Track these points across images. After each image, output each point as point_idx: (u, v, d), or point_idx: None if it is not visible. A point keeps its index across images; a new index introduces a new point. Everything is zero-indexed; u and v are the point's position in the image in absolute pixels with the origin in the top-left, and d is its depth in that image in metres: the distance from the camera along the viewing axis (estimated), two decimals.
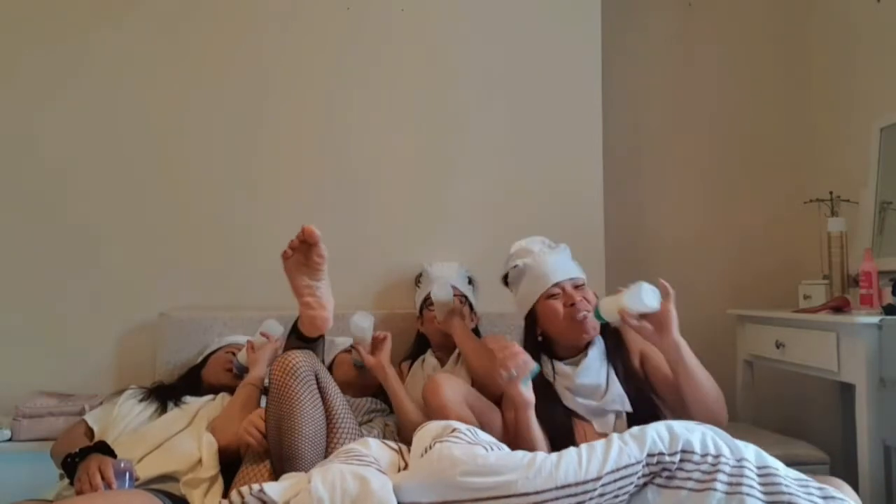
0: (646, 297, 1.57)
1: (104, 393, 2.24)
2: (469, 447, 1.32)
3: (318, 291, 1.66)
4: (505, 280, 1.91)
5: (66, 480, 1.66)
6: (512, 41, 2.67)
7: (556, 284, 1.77)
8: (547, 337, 1.81)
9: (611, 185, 2.69)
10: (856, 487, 1.95)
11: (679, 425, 1.33)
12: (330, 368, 2.15)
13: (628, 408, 1.69)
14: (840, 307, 2.14)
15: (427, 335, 2.27)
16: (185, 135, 2.55)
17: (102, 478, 1.52)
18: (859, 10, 2.63)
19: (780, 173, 2.96)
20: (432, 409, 1.64)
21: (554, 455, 1.30)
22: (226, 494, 1.60)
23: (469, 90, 2.65)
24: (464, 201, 2.62)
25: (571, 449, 1.31)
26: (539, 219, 2.60)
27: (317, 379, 1.63)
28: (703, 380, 1.59)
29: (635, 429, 1.35)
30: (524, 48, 2.68)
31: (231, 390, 2.05)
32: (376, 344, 2.00)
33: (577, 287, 1.78)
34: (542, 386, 1.70)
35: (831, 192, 2.50)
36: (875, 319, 1.92)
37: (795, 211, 2.81)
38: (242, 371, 2.09)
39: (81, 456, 1.63)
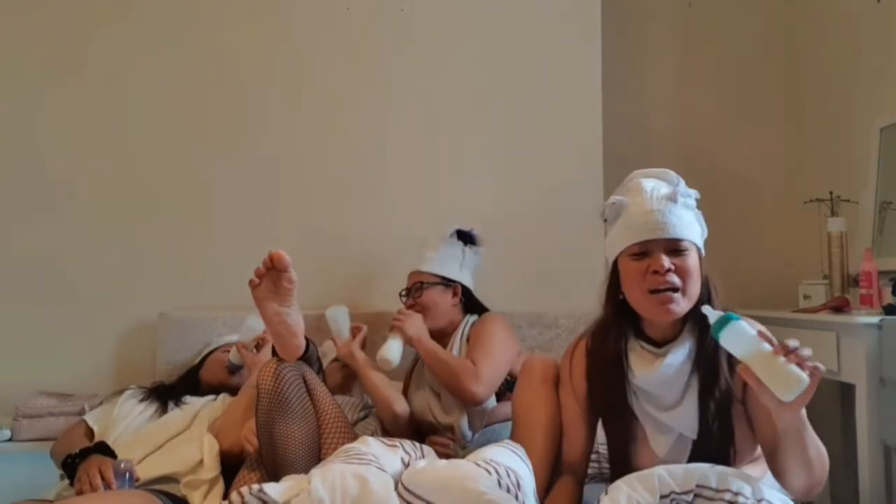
0: (789, 392, 1.13)
1: (104, 393, 2.24)
2: (500, 490, 1.29)
3: (289, 318, 1.56)
4: (603, 215, 1.50)
5: (67, 481, 1.66)
6: (512, 41, 2.67)
7: (646, 242, 1.35)
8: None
9: (611, 186, 2.68)
10: (856, 487, 1.96)
11: (695, 464, 1.25)
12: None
13: (692, 434, 1.35)
14: (840, 307, 2.14)
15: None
16: (185, 135, 2.55)
17: (102, 478, 1.52)
18: (859, 10, 2.62)
19: (780, 173, 2.96)
20: (520, 388, 1.61)
21: None
22: (226, 496, 1.60)
23: (469, 89, 2.65)
24: (463, 201, 2.61)
25: None
26: (539, 218, 2.60)
27: (304, 381, 1.62)
28: (813, 467, 1.25)
29: (641, 472, 1.26)
30: (524, 48, 2.67)
31: (230, 389, 2.06)
32: (353, 335, 2.03)
33: (675, 252, 1.34)
34: (610, 374, 1.43)
35: (831, 192, 2.50)
36: (875, 319, 1.92)
37: (795, 211, 2.81)
38: (236, 369, 2.09)
39: (81, 456, 1.63)
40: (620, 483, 1.27)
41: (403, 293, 2.13)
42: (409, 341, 1.95)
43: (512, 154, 2.65)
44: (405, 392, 2.11)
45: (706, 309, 1.25)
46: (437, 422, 1.94)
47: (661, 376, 1.35)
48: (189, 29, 2.57)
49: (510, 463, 1.36)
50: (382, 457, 1.37)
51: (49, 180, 2.49)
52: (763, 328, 1.21)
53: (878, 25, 2.53)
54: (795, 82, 2.97)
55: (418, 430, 1.98)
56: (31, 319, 2.44)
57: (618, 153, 2.77)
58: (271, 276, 1.52)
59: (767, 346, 1.16)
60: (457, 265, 2.10)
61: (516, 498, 1.29)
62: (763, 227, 2.94)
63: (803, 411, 1.20)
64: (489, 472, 1.29)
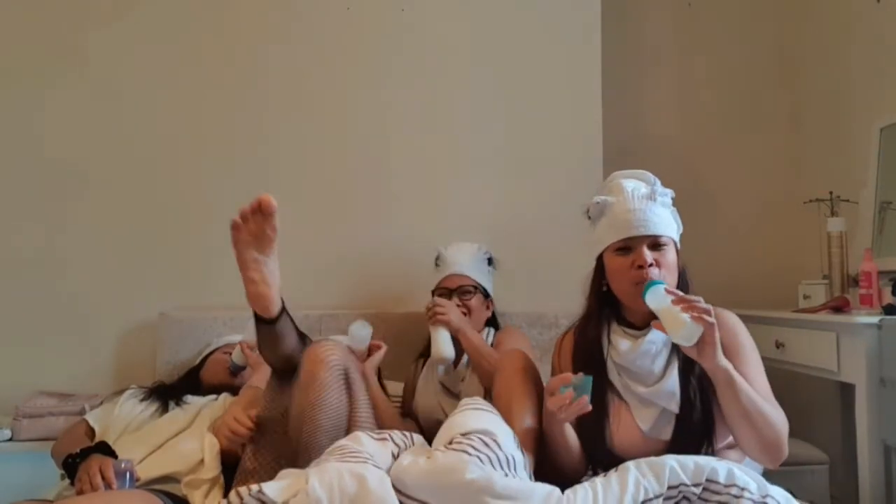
0: (684, 336, 1.34)
1: (104, 393, 2.24)
2: (484, 467, 1.28)
3: (265, 267, 1.51)
4: (587, 213, 1.63)
5: (67, 480, 1.66)
6: (512, 41, 2.67)
7: (630, 239, 1.49)
8: (612, 293, 1.56)
9: None
10: (856, 487, 1.96)
11: (703, 458, 1.29)
12: None
13: (674, 408, 1.46)
14: (840, 307, 2.14)
15: None
16: (185, 134, 2.55)
17: (103, 478, 1.52)
18: (859, 10, 2.63)
19: (780, 173, 2.97)
20: (501, 375, 1.62)
21: (570, 491, 1.26)
22: (227, 496, 1.60)
23: (469, 90, 2.65)
24: (463, 202, 2.61)
25: (586, 484, 1.28)
26: (539, 218, 2.60)
27: (346, 373, 1.60)
28: (755, 421, 1.36)
29: (652, 459, 1.29)
30: (524, 48, 2.67)
31: (231, 390, 2.06)
32: (370, 351, 1.99)
33: (655, 246, 1.49)
34: (591, 352, 1.55)
35: (831, 192, 2.50)
36: (875, 319, 1.92)
37: (795, 211, 2.81)
38: (237, 370, 2.09)
39: (82, 456, 1.63)
40: (630, 465, 1.29)
41: (442, 293, 2.11)
42: (455, 332, 1.96)
43: (512, 154, 2.65)
44: (410, 393, 2.10)
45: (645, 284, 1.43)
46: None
47: (643, 352, 1.48)
48: (188, 29, 2.57)
49: (478, 424, 1.36)
50: (376, 454, 1.37)
51: (49, 180, 2.49)
52: (678, 291, 1.39)
53: (877, 25, 2.53)
54: (795, 82, 2.97)
55: (421, 431, 1.96)
56: (31, 320, 2.44)
57: (618, 153, 2.77)
58: (256, 220, 1.47)
59: (669, 300, 1.36)
60: (490, 282, 2.19)
61: (499, 460, 1.29)
62: (763, 227, 2.94)
63: (725, 366, 1.35)
64: (468, 454, 1.28)
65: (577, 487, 1.27)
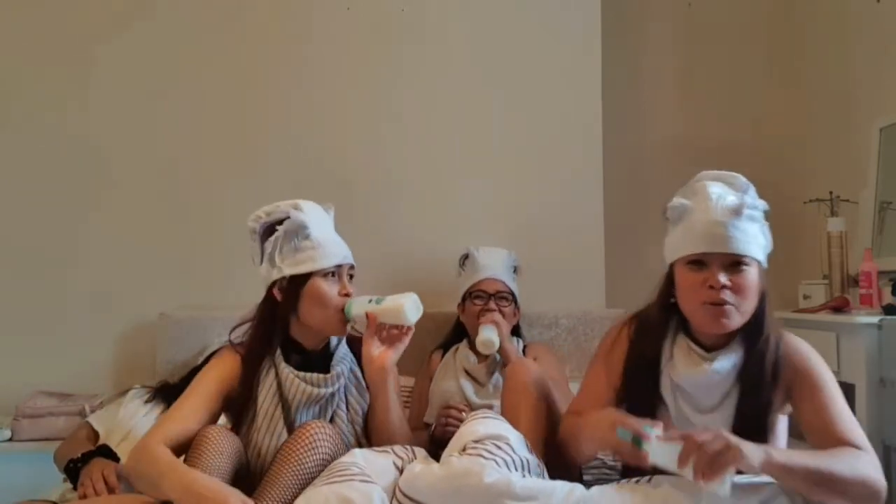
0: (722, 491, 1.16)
1: (104, 393, 2.24)
2: (501, 470, 1.26)
3: None
4: (665, 214, 1.47)
5: (70, 483, 1.66)
6: (512, 41, 2.67)
7: (707, 254, 1.33)
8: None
9: (611, 185, 2.69)
10: None
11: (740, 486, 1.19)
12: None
13: None
14: (840, 307, 2.14)
15: (466, 326, 2.14)
16: (186, 134, 2.55)
17: (106, 482, 1.51)
18: (859, 9, 2.63)
19: (780, 173, 2.96)
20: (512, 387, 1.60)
21: (596, 490, 1.24)
22: None
23: (469, 89, 2.65)
24: (462, 202, 2.61)
25: (613, 486, 1.25)
26: (539, 217, 2.60)
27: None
28: (832, 486, 1.19)
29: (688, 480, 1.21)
30: (525, 49, 2.67)
31: None
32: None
33: (734, 265, 1.32)
34: (644, 367, 1.41)
35: (831, 192, 2.50)
36: (875, 319, 1.92)
37: (795, 211, 2.81)
38: None
39: (84, 460, 1.62)
40: (664, 479, 1.26)
41: (479, 295, 2.09)
42: (503, 336, 1.96)
43: (512, 154, 2.65)
44: (425, 382, 2.07)
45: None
46: (470, 405, 1.91)
47: (706, 380, 1.34)
48: (188, 31, 2.56)
49: (489, 430, 1.35)
50: (370, 465, 1.34)
51: (49, 182, 2.49)
52: (674, 441, 1.19)
53: (877, 25, 2.53)
54: (795, 82, 2.97)
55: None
56: (31, 319, 2.44)
57: (618, 153, 2.77)
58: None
59: (676, 452, 1.17)
60: (517, 290, 2.17)
61: (514, 462, 1.29)
62: None
63: (766, 459, 1.17)
64: (483, 458, 1.27)
65: (605, 487, 1.26)
